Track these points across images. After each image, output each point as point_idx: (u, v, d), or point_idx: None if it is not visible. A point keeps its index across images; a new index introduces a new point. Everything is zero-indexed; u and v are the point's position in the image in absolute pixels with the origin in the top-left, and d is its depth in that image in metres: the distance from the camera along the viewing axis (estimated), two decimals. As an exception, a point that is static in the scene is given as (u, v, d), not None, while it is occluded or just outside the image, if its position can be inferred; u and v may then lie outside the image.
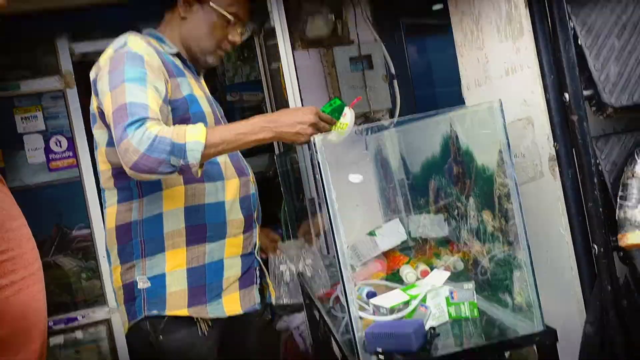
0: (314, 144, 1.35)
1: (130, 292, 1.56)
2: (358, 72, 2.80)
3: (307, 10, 2.81)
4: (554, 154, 1.33)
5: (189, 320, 1.55)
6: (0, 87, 3.32)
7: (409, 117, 1.66)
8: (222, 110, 1.78)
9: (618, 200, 1.26)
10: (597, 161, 1.27)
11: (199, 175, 1.41)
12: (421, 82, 3.17)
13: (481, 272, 1.55)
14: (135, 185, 1.55)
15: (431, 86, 3.35)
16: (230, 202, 1.62)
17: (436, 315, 1.44)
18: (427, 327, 1.34)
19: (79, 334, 3.08)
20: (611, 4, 1.30)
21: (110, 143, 1.54)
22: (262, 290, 1.76)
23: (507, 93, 1.48)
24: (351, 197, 2.43)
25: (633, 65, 1.28)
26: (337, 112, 1.52)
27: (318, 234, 2.56)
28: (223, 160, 1.62)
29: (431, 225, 1.86)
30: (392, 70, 2.86)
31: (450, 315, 1.45)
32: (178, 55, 1.66)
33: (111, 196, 1.60)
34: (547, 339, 1.31)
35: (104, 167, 1.60)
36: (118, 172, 1.55)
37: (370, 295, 1.62)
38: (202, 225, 1.58)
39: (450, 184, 1.67)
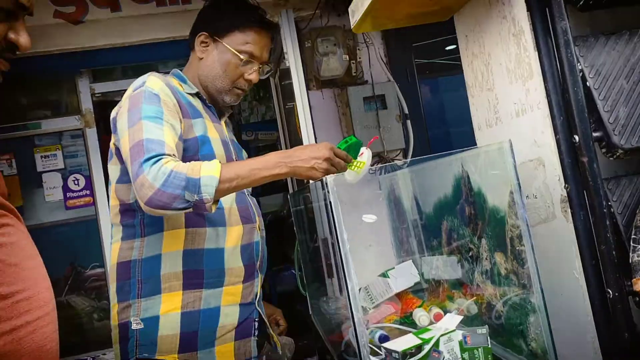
0: (326, 184, 1.34)
1: (124, 332, 1.54)
2: (372, 112, 2.83)
3: (322, 51, 2.86)
4: (566, 195, 1.31)
5: None
6: (22, 126, 3.40)
7: (421, 157, 1.66)
8: (245, 155, 1.78)
9: (631, 243, 1.24)
10: (609, 203, 1.25)
11: (213, 211, 1.40)
12: (434, 122, 3.18)
13: (495, 317, 1.51)
14: (139, 223, 1.55)
15: (444, 126, 3.36)
16: (230, 249, 1.59)
17: (449, 360, 1.40)
18: (439, 374, 1.31)
19: (88, 376, 3.06)
20: (619, 46, 1.30)
21: (121, 180, 1.57)
22: (263, 343, 1.70)
23: (518, 134, 1.47)
24: (364, 237, 2.43)
25: (642, 106, 1.27)
26: (353, 150, 1.51)
27: (331, 275, 2.54)
28: (228, 205, 1.60)
29: (444, 267, 1.83)
30: (406, 110, 2.88)
31: (463, 361, 1.42)
32: (198, 95, 1.67)
33: (117, 232, 1.60)
34: (563, 388, 1.27)
35: (113, 203, 1.61)
36: (125, 209, 1.57)
37: (383, 338, 1.59)
38: (200, 270, 1.56)
39: (463, 225, 1.65)
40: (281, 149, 3.58)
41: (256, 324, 1.65)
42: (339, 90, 2.94)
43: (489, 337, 1.40)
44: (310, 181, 1.66)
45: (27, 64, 2.86)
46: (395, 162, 2.77)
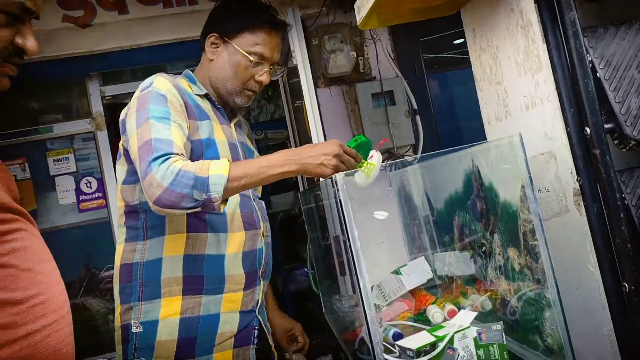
0: (336, 182, 1.34)
1: (126, 334, 1.55)
2: (381, 108, 2.82)
3: (329, 48, 2.85)
4: (578, 188, 1.30)
5: None
6: (34, 130, 3.44)
7: (431, 153, 1.65)
8: (257, 157, 1.76)
9: (646, 235, 1.22)
10: (623, 195, 1.23)
11: (221, 210, 1.40)
12: (444, 117, 3.16)
13: (510, 312, 1.50)
14: (142, 226, 1.56)
15: (454, 120, 3.34)
16: (231, 256, 1.58)
17: (464, 358, 1.39)
18: (454, 370, 1.30)
19: (104, 378, 3.08)
20: (629, 36, 1.28)
21: (127, 181, 1.58)
22: (261, 351, 1.68)
23: (528, 127, 1.46)
24: (376, 234, 2.42)
25: (655, 97, 1.25)
26: (362, 149, 1.50)
27: (344, 273, 2.53)
28: (231, 211, 1.59)
29: (457, 263, 1.82)
30: (415, 106, 2.87)
31: (479, 358, 1.40)
32: (207, 96, 1.67)
33: (121, 234, 1.61)
34: (580, 383, 1.26)
35: (119, 204, 1.61)
36: (129, 211, 1.58)
37: (397, 336, 1.58)
38: (200, 276, 1.55)
39: (475, 220, 1.64)
40: (291, 147, 3.59)
41: (256, 332, 1.64)
42: (347, 87, 2.93)
43: (503, 333, 1.39)
44: (321, 179, 1.65)
45: (37, 68, 2.89)
46: (405, 158, 2.76)
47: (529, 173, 1.31)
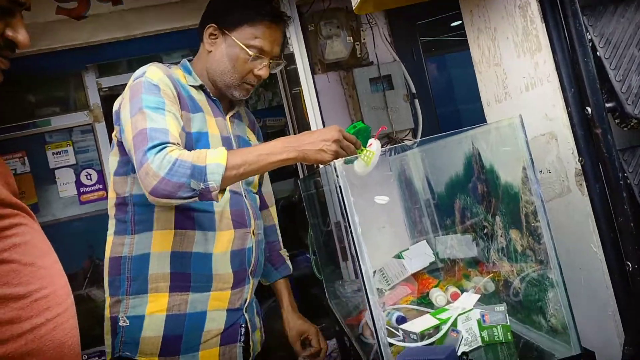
0: (336, 168, 1.33)
1: (114, 326, 1.54)
2: (379, 93, 2.80)
3: (325, 34, 2.83)
4: (580, 168, 1.29)
5: None
6: (32, 124, 3.43)
7: (431, 137, 1.64)
8: None
9: (649, 214, 1.22)
10: (625, 174, 1.22)
11: (219, 200, 1.38)
12: (443, 100, 3.14)
13: (513, 294, 1.50)
14: (130, 219, 1.54)
15: (453, 103, 3.32)
16: (219, 255, 1.56)
17: (468, 340, 1.40)
18: (459, 353, 1.31)
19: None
20: (629, 13, 1.26)
21: (118, 172, 1.57)
22: (248, 349, 1.67)
23: (528, 108, 1.45)
24: (377, 218, 2.42)
25: (655, 74, 1.24)
26: (361, 136, 1.49)
27: (346, 258, 2.54)
28: (220, 209, 1.56)
29: (459, 246, 1.82)
30: (413, 90, 2.85)
31: (483, 339, 1.41)
32: (202, 88, 1.64)
33: (111, 225, 1.59)
34: (584, 363, 1.26)
35: (111, 195, 1.60)
36: (120, 203, 1.56)
37: (400, 320, 1.59)
38: (187, 274, 1.53)
39: (476, 203, 1.63)
40: (289, 134, 3.58)
41: (242, 329, 1.63)
42: (344, 73, 2.91)
43: (507, 315, 1.39)
44: (320, 165, 1.63)
45: (33, 61, 2.87)
46: (405, 142, 2.75)
47: (530, 154, 1.31)
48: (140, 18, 2.89)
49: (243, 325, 1.64)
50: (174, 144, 1.36)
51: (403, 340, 1.45)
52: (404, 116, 2.80)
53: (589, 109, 1.23)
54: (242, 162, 1.36)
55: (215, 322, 1.57)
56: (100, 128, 3.43)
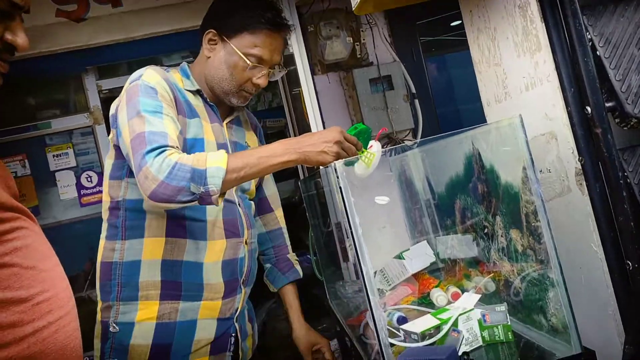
0: (336, 169, 1.33)
1: (104, 331, 1.54)
2: (379, 94, 2.80)
3: (325, 35, 2.83)
4: (580, 168, 1.29)
5: None
6: (32, 126, 3.43)
7: (431, 137, 1.64)
8: None
9: (649, 213, 1.22)
10: (625, 174, 1.22)
11: (219, 204, 1.37)
12: (443, 100, 3.14)
13: (513, 293, 1.50)
14: (121, 225, 1.53)
15: (453, 103, 3.32)
16: (210, 264, 1.54)
17: (469, 340, 1.40)
18: (460, 353, 1.31)
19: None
20: (628, 13, 1.26)
21: (114, 176, 1.55)
22: (237, 358, 1.66)
23: (528, 108, 1.45)
24: (377, 219, 2.42)
25: (655, 74, 1.24)
26: (362, 137, 1.49)
27: (347, 259, 2.54)
28: (213, 218, 1.55)
29: (460, 246, 1.82)
30: (413, 90, 2.85)
31: (484, 339, 1.41)
32: (200, 92, 1.61)
33: (103, 229, 1.58)
34: (585, 362, 1.26)
35: (105, 199, 1.58)
36: (113, 207, 1.55)
37: (401, 320, 1.59)
38: (178, 282, 1.52)
39: (476, 203, 1.63)
40: (289, 136, 3.58)
41: (232, 339, 1.62)
42: (344, 74, 2.91)
43: (508, 314, 1.39)
44: (321, 167, 1.63)
45: (33, 64, 2.88)
46: (405, 142, 2.75)
47: (530, 154, 1.31)
48: (139, 20, 2.90)
49: (233, 334, 1.62)
50: (173, 147, 1.34)
51: (404, 341, 1.45)
52: (404, 116, 2.80)
53: (588, 109, 1.23)
54: (243, 165, 1.35)
55: (206, 331, 1.55)
56: (101, 130, 3.44)
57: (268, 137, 4.64)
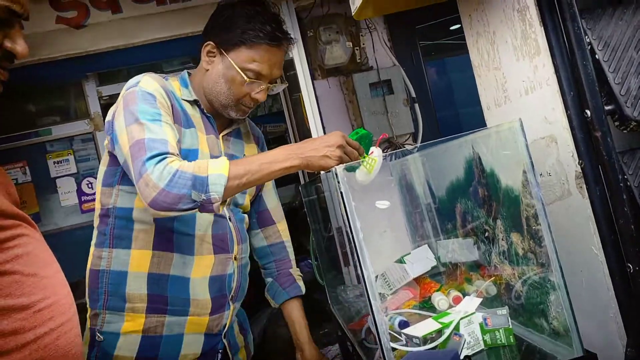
0: (336, 174, 1.33)
1: (92, 339, 1.52)
2: (379, 98, 2.81)
3: (325, 40, 2.84)
4: (580, 171, 1.29)
5: None
6: (33, 133, 3.44)
7: (431, 141, 1.64)
8: None
9: (649, 216, 1.22)
10: (625, 177, 1.23)
11: (220, 211, 1.36)
12: (443, 104, 3.15)
13: (515, 297, 1.50)
14: (109, 232, 1.51)
15: (453, 107, 3.33)
16: (197, 280, 1.52)
17: (471, 343, 1.40)
18: (462, 357, 1.31)
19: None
20: (627, 16, 1.27)
21: (106, 183, 1.53)
22: None
23: (528, 112, 1.46)
24: (378, 223, 2.42)
25: (654, 77, 1.24)
26: (363, 142, 1.49)
27: (348, 263, 2.54)
28: (202, 232, 1.52)
29: (461, 250, 1.82)
30: (413, 94, 2.86)
31: (485, 343, 1.41)
32: (197, 103, 1.58)
33: (94, 236, 1.57)
34: (587, 365, 1.26)
35: (97, 205, 1.56)
36: (103, 214, 1.53)
37: (403, 324, 1.58)
38: (165, 296, 1.50)
39: (477, 206, 1.64)
40: (290, 141, 3.59)
41: (219, 355, 1.60)
42: (344, 78, 2.92)
43: (509, 318, 1.39)
44: (322, 172, 1.61)
45: (34, 71, 2.89)
46: (405, 147, 2.75)
47: (530, 158, 1.31)
48: (139, 26, 2.91)
49: (221, 350, 1.60)
50: (173, 154, 1.33)
51: (406, 345, 1.45)
52: (404, 121, 2.81)
53: (588, 112, 1.23)
54: (245, 171, 1.33)
55: (192, 346, 1.53)
56: (101, 136, 3.44)
57: (269, 142, 4.66)
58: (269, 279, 1.84)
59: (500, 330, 1.39)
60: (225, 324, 1.60)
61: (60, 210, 3.45)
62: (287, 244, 1.86)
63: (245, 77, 1.50)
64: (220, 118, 1.63)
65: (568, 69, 1.27)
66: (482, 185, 1.58)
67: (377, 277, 1.98)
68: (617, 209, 1.22)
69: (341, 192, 1.32)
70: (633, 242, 1.20)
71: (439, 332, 1.41)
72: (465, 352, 1.35)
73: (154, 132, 1.35)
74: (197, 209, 1.32)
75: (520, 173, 1.35)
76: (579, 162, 1.29)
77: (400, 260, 1.95)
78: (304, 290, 1.82)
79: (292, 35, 1.60)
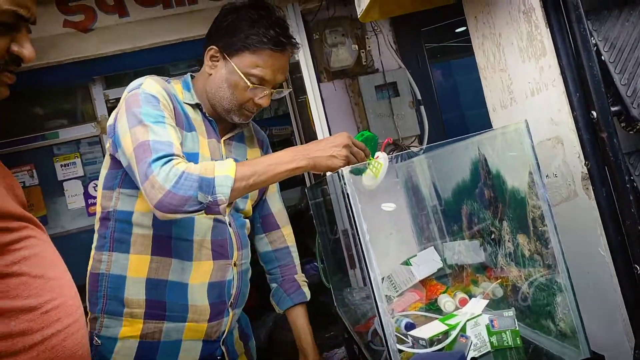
0: (342, 176, 1.33)
1: (91, 342, 1.49)
2: (384, 100, 2.81)
3: (330, 42, 2.85)
4: (586, 172, 1.29)
5: None
6: (40, 136, 3.46)
7: (437, 143, 1.64)
8: None
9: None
10: (632, 178, 1.22)
11: (227, 213, 1.36)
12: (448, 106, 3.15)
13: (521, 298, 1.50)
14: (109, 236, 1.50)
15: (459, 109, 3.32)
16: (195, 286, 1.50)
17: (477, 345, 1.39)
18: (468, 359, 1.30)
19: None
20: (633, 17, 1.27)
21: (107, 186, 1.53)
22: None
23: (534, 113, 1.45)
24: (384, 225, 2.42)
25: (660, 77, 1.24)
26: (369, 144, 1.48)
27: (354, 266, 2.54)
28: (200, 238, 1.51)
29: (467, 252, 1.82)
30: (419, 96, 2.86)
31: (492, 345, 1.40)
32: (199, 106, 1.57)
33: (94, 240, 1.56)
34: (594, 367, 1.25)
35: (98, 209, 1.56)
36: (103, 217, 1.53)
37: (409, 326, 1.58)
38: (163, 302, 1.48)
39: (483, 208, 1.63)
40: (295, 144, 3.59)
41: None
42: (350, 81, 2.93)
43: (516, 320, 1.39)
44: (327, 173, 1.58)
45: (41, 75, 2.91)
46: (411, 149, 2.75)
47: (536, 159, 1.31)
48: (146, 30, 2.92)
49: (219, 357, 1.59)
50: (179, 156, 1.32)
51: (412, 347, 1.45)
52: (410, 123, 2.81)
53: (594, 113, 1.23)
54: (252, 173, 1.32)
55: (190, 352, 1.52)
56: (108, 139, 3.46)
57: (274, 145, 4.68)
58: (274, 285, 1.82)
59: (507, 332, 1.39)
60: (224, 331, 1.59)
61: (67, 213, 3.47)
62: (292, 248, 1.84)
63: (249, 83, 1.49)
64: (223, 122, 1.61)
65: (574, 70, 1.27)
66: (488, 187, 1.58)
67: (383, 279, 1.98)
68: (623, 210, 1.22)
69: (347, 194, 1.32)
70: (639, 244, 1.20)
71: (446, 334, 1.41)
72: (471, 354, 1.35)
73: (159, 134, 1.34)
74: (203, 212, 1.31)
75: (526, 174, 1.35)
76: (585, 163, 1.28)
77: (407, 262, 1.95)
78: (308, 296, 1.81)
79: (297, 40, 1.58)
